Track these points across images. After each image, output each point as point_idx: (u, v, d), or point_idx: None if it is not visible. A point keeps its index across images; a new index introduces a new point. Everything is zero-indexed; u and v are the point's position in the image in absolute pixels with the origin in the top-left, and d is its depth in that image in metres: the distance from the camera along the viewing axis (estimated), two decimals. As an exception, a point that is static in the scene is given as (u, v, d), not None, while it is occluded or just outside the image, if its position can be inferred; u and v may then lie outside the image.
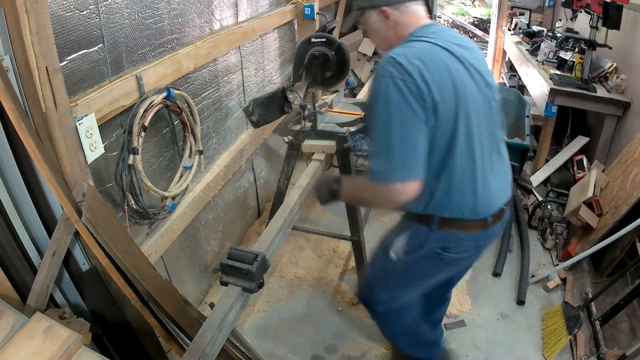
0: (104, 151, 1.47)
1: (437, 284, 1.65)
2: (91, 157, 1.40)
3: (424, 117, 1.20)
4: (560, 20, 4.72)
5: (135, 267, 1.36)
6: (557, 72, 3.59)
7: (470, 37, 9.08)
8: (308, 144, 2.21)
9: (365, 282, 1.78)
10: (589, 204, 2.65)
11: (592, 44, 3.22)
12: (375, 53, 4.54)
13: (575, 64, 3.45)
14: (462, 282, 2.59)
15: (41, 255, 1.33)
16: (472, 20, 9.40)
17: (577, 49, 3.55)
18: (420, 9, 1.36)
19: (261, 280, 1.43)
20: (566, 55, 3.67)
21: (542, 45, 4.05)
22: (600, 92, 3.22)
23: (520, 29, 4.98)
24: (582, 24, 3.94)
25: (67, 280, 1.42)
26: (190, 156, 2.00)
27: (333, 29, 2.33)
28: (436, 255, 1.40)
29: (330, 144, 2.16)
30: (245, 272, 1.35)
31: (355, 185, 1.51)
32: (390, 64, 1.21)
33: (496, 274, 2.66)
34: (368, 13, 1.36)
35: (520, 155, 2.88)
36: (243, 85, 2.62)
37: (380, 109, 1.22)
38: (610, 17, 3.02)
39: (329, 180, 1.56)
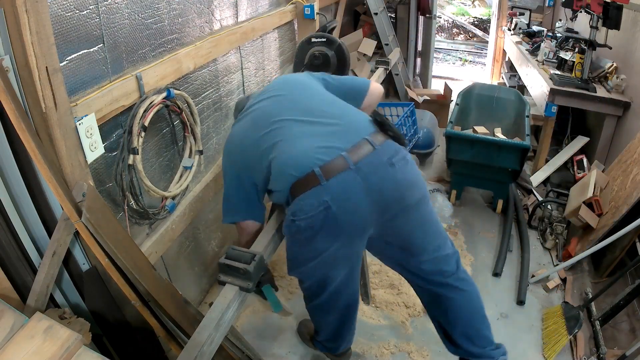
0: (104, 151, 1.47)
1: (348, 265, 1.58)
2: (91, 157, 1.40)
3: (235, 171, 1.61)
4: (560, 20, 4.72)
5: (135, 267, 1.36)
6: (557, 72, 3.60)
7: (470, 37, 9.09)
8: (308, 144, 2.21)
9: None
10: (589, 204, 2.65)
11: (592, 44, 3.22)
12: (375, 53, 4.53)
13: (575, 64, 3.45)
14: (462, 282, 2.59)
15: (41, 255, 1.33)
16: (472, 20, 9.41)
17: (577, 49, 3.54)
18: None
19: (259, 280, 1.43)
20: (566, 55, 3.67)
21: (542, 45, 4.05)
22: (600, 92, 3.22)
23: (520, 29, 4.98)
24: (582, 24, 3.94)
25: (67, 280, 1.42)
26: (190, 156, 2.00)
27: (333, 29, 2.34)
28: (292, 224, 1.43)
29: (330, 144, 2.16)
30: (242, 271, 1.35)
31: None
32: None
33: (496, 273, 2.66)
34: None
35: (520, 155, 2.88)
36: (243, 85, 2.62)
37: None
38: (610, 17, 3.02)
39: None
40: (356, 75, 4.25)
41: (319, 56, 2.19)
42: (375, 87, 1.78)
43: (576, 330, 2.13)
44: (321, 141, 1.44)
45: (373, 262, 2.72)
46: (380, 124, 1.52)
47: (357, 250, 1.58)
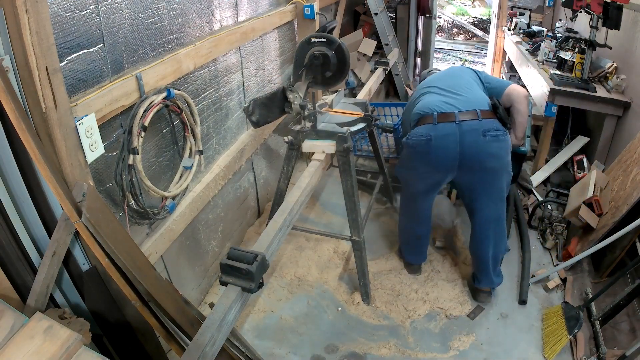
0: (104, 151, 1.47)
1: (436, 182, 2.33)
2: (91, 157, 1.40)
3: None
4: (560, 20, 4.72)
5: (135, 267, 1.36)
6: (557, 72, 3.59)
7: (470, 37, 9.09)
8: (308, 144, 2.21)
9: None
10: (589, 204, 2.65)
11: (592, 44, 3.22)
12: (375, 53, 4.53)
13: (575, 64, 3.44)
14: (462, 282, 2.59)
15: (41, 255, 1.33)
16: (472, 20, 9.40)
17: (577, 49, 3.54)
18: None
19: (261, 280, 1.43)
20: (566, 55, 3.67)
21: (542, 45, 4.04)
22: (600, 92, 3.22)
23: (520, 29, 4.97)
24: (582, 24, 3.94)
25: (67, 280, 1.42)
26: (190, 156, 2.00)
27: (333, 29, 2.33)
28: (406, 140, 2.22)
29: (330, 144, 2.16)
30: (244, 272, 1.35)
31: None
32: None
33: (496, 274, 2.65)
34: None
35: (517, 160, 2.85)
36: (243, 85, 2.62)
37: None
38: (610, 17, 3.02)
39: None
40: (356, 75, 4.26)
41: (319, 56, 2.19)
42: (514, 89, 2.29)
43: (576, 330, 2.13)
44: (447, 100, 2.15)
45: (373, 263, 2.72)
46: (494, 106, 2.12)
47: (437, 181, 2.31)
